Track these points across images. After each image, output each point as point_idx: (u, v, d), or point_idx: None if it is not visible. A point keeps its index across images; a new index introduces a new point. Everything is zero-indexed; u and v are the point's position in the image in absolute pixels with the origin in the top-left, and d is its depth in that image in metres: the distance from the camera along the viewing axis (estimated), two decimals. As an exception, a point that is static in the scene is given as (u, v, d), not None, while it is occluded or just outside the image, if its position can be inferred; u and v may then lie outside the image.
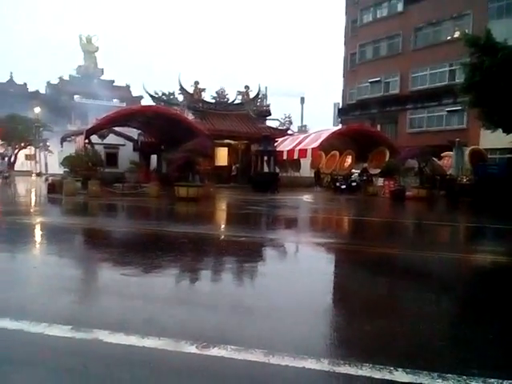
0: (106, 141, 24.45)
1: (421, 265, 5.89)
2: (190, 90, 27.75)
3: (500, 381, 2.25)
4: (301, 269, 5.49)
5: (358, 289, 4.50)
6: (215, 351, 2.54)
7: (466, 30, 22.83)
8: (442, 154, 20.57)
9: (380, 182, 20.76)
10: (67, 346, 2.65)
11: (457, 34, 26.33)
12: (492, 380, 2.24)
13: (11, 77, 74.21)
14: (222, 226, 10.23)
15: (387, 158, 22.20)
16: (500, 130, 17.43)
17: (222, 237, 8.11)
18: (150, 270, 4.94)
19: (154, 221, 10.88)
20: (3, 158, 33.37)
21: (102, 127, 21.83)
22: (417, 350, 2.77)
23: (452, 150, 19.52)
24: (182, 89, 27.68)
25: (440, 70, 27.76)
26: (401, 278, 5.12)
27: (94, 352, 2.58)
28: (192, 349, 2.57)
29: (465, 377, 2.26)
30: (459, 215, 13.85)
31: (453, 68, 26.02)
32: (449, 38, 27.68)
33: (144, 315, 3.27)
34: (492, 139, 20.20)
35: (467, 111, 23.39)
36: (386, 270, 5.46)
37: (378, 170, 21.55)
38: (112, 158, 25.03)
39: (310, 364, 2.39)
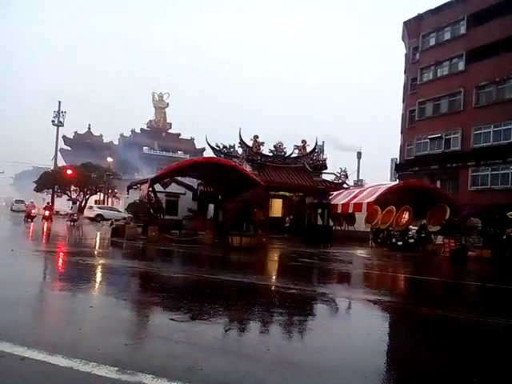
0: (168, 189, 25.75)
1: (482, 331, 5.50)
2: (250, 143, 28.88)
3: None
4: (351, 327, 5.33)
5: (411, 353, 4.28)
6: None
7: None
8: (508, 214, 19.39)
9: (439, 240, 19.78)
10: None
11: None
12: None
13: (89, 128, 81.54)
14: (273, 277, 10.20)
15: (447, 216, 21.24)
16: None
17: (272, 288, 8.10)
18: (197, 316, 5.06)
19: (206, 268, 11.13)
20: (75, 203, 36.06)
21: (166, 177, 23.07)
22: None
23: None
24: (241, 142, 28.85)
25: (504, 127, 26.70)
26: (459, 344, 4.78)
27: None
28: (232, 402, 2.60)
29: None
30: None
31: (518, 126, 25.11)
32: (513, 96, 26.93)
33: (188, 362, 3.34)
34: None
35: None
36: (443, 334, 5.14)
37: (438, 228, 20.62)
38: (172, 205, 26.12)
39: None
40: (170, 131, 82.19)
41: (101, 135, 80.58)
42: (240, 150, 28.89)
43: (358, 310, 6.70)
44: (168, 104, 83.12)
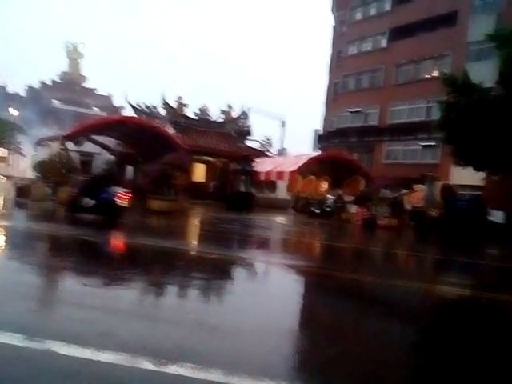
0: (81, 148, 24.03)
1: (386, 292, 5.95)
2: (173, 104, 27.81)
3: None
4: (268, 290, 5.45)
5: (322, 312, 4.50)
6: (173, 369, 2.47)
7: (445, 70, 23.71)
8: (413, 187, 21.11)
9: (353, 209, 21.03)
10: (19, 356, 2.53)
11: (436, 73, 27.25)
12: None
13: (-10, 76, 72.70)
14: (194, 242, 10.09)
15: (362, 187, 22.58)
16: (471, 167, 18.04)
17: (193, 253, 7.99)
18: (113, 281, 4.82)
19: (123, 232, 10.62)
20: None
21: (80, 134, 21.44)
22: (375, 378, 2.79)
23: (424, 184, 20.03)
24: (164, 103, 27.70)
25: (418, 105, 28.58)
26: (366, 304, 5.14)
27: (45, 363, 2.48)
28: (149, 365, 2.50)
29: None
30: (427, 247, 14.14)
31: (430, 105, 26.77)
32: (428, 76, 28.63)
33: (102, 328, 3.16)
34: (463, 176, 20.85)
35: (441, 147, 24.13)
36: (352, 295, 5.49)
37: (352, 198, 21.86)
38: (86, 165, 24.56)
39: (270, 387, 2.35)
40: (84, 85, 76.16)
41: (5, 85, 72.39)
42: (163, 111, 27.77)
43: (275, 274, 6.89)
44: (83, 55, 76.54)
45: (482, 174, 19.19)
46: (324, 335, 3.68)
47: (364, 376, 2.80)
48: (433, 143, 26.09)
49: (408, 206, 20.41)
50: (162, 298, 4.50)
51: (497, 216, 19.12)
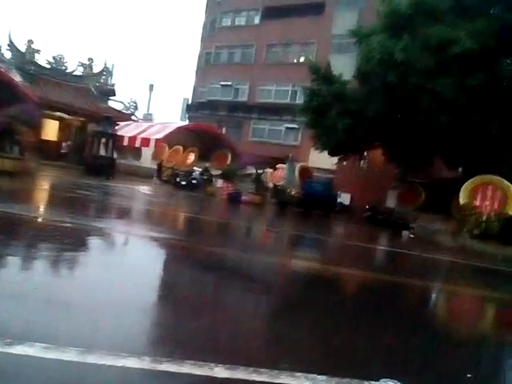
0: None
1: (246, 266, 6.15)
2: (22, 48, 24.07)
3: (305, 374, 2.39)
4: (127, 262, 5.13)
5: (184, 286, 4.44)
6: (20, 349, 2.14)
7: (311, 57, 25.08)
8: (276, 166, 22.28)
9: (219, 183, 21.28)
10: None
11: (302, 59, 28.81)
12: (299, 374, 2.37)
13: None
14: (42, 208, 9.00)
15: (228, 162, 22.94)
16: (326, 151, 19.74)
17: (41, 220, 7.06)
18: None
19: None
20: None
21: None
22: (236, 347, 2.85)
23: (285, 163, 21.33)
24: (11, 45, 23.79)
25: (284, 88, 29.93)
26: (227, 277, 5.20)
27: None
28: (-11, 347, 2.12)
29: (276, 371, 2.36)
30: (284, 223, 15.13)
31: (295, 89, 28.31)
32: (295, 60, 30.13)
33: None
34: (319, 159, 22.74)
35: (302, 130, 25.82)
36: (213, 268, 5.49)
37: (219, 172, 22.10)
38: None
39: (131, 362, 2.20)
40: None
41: None
42: (8, 55, 23.85)
43: (135, 246, 6.58)
44: None
45: (334, 159, 21.14)
46: (187, 308, 3.61)
47: (226, 346, 2.81)
48: (295, 126, 27.77)
49: (270, 184, 21.55)
50: (3, 272, 3.85)
51: (344, 198, 21.55)
